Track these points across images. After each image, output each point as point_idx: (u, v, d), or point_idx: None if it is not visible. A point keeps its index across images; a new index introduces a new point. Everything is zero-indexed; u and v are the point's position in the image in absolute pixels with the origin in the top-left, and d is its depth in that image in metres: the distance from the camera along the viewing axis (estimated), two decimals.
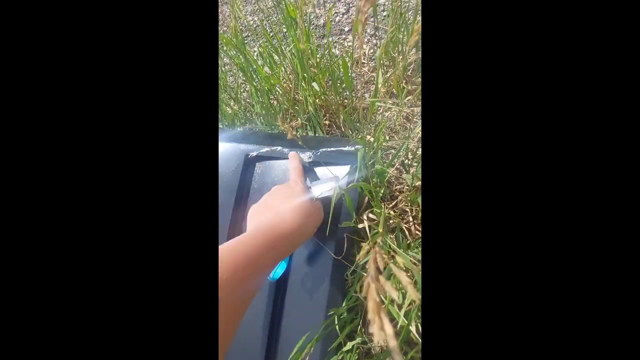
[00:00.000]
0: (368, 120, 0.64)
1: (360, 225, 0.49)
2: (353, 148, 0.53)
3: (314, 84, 0.62)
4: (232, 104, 0.76)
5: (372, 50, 0.82)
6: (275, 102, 0.72)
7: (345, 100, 0.69)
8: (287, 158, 0.53)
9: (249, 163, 0.56)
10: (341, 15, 0.94)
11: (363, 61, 0.80)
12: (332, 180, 0.48)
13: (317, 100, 0.66)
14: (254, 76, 0.65)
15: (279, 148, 0.55)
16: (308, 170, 0.53)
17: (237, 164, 0.55)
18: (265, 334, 0.47)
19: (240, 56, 0.61)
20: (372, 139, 0.57)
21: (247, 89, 0.81)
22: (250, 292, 0.35)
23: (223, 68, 0.87)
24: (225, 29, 1.01)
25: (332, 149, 0.53)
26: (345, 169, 0.51)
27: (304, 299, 0.47)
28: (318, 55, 0.66)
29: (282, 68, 0.68)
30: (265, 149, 0.55)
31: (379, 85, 0.65)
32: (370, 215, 0.50)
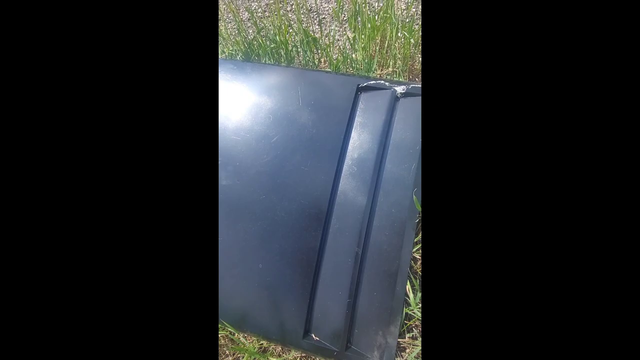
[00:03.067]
0: None
1: None
2: None
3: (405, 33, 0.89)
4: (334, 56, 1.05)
5: None
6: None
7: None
8: (387, 89, 0.81)
9: (359, 90, 0.84)
10: None
11: None
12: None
13: (403, 53, 0.93)
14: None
15: (381, 81, 0.83)
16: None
17: (352, 89, 0.84)
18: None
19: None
20: None
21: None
22: None
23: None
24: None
25: (418, 85, 0.80)
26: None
27: None
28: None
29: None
30: (371, 82, 0.83)
31: None
32: None
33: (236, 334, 0.82)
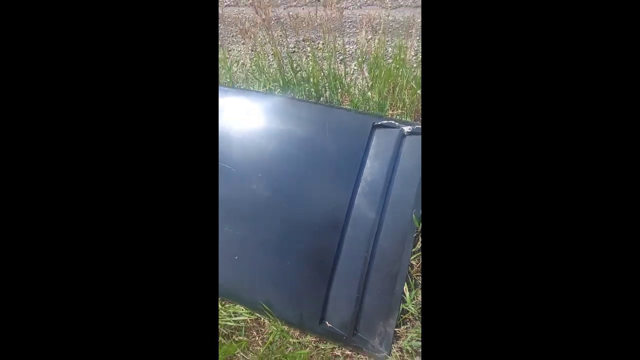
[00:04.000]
0: None
1: None
2: None
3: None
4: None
5: None
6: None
7: None
8: (398, 128, 1.01)
9: (373, 127, 1.04)
10: None
11: None
12: None
13: (411, 99, 1.13)
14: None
15: (392, 121, 1.03)
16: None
17: (368, 126, 1.04)
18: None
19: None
20: None
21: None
22: None
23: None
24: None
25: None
26: None
27: None
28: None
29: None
30: (384, 121, 1.04)
31: None
32: None
33: (262, 319, 1.01)
